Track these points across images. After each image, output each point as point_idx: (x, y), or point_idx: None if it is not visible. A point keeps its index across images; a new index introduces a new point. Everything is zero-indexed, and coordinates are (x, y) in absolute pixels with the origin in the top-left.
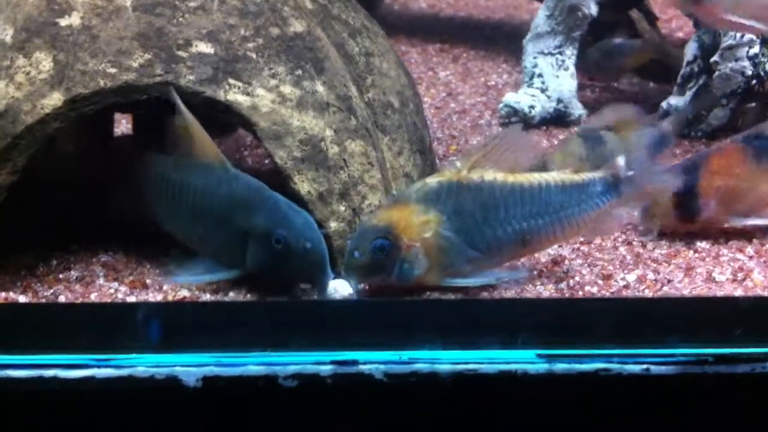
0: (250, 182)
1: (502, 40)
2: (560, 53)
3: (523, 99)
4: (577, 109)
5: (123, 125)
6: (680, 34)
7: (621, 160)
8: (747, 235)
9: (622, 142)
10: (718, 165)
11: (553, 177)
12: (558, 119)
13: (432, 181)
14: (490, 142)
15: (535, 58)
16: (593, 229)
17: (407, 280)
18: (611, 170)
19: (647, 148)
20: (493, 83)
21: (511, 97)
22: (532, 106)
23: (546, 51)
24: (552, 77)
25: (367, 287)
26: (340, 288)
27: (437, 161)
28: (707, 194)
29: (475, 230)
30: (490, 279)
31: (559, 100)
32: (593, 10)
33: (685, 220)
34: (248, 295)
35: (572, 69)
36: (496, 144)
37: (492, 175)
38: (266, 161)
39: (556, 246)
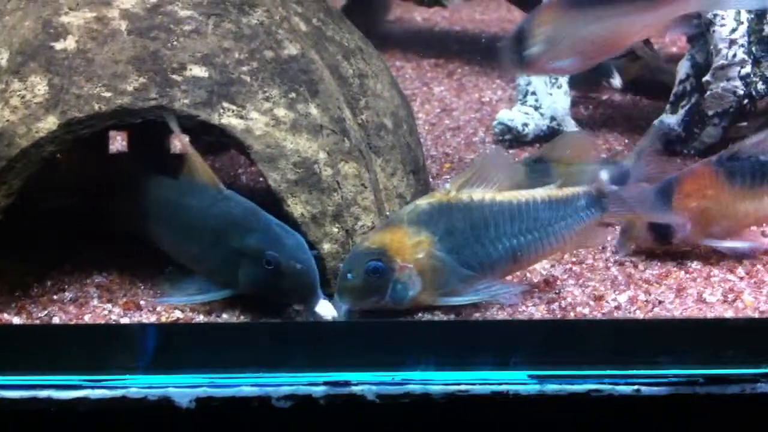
0: (243, 203)
1: (497, 55)
2: None
3: (516, 116)
4: (571, 126)
5: (118, 142)
6: (674, 49)
7: (604, 175)
8: (737, 256)
9: (571, 175)
10: (691, 187)
11: (539, 193)
12: (552, 136)
13: (423, 202)
14: (475, 163)
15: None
16: (579, 242)
17: (401, 302)
18: (596, 185)
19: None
20: (487, 99)
21: (504, 115)
22: (525, 124)
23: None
24: (545, 95)
25: (357, 310)
26: (323, 310)
27: (431, 180)
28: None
29: (467, 249)
30: (483, 296)
31: (552, 118)
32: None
33: (660, 241)
34: (241, 317)
35: (565, 87)
36: (480, 165)
37: (480, 195)
38: (260, 179)
39: (548, 266)
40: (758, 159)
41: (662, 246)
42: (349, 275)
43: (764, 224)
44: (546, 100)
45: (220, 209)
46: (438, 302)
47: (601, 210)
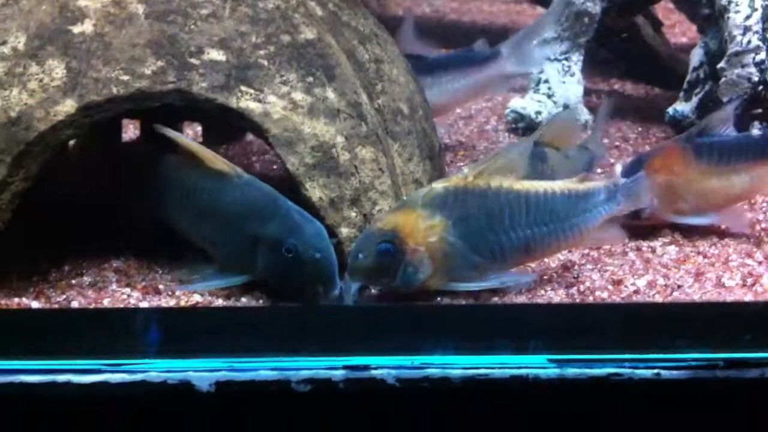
0: (264, 189)
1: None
2: (566, 59)
3: (529, 105)
4: (584, 115)
5: (130, 130)
6: (684, 40)
7: (618, 169)
8: (756, 239)
9: (566, 159)
10: (660, 163)
11: (558, 186)
12: None
13: (438, 186)
14: (498, 150)
15: (541, 63)
16: (598, 238)
17: (411, 285)
18: (611, 179)
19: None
20: None
21: (517, 103)
22: (538, 112)
23: (552, 57)
24: (558, 83)
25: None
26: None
27: (446, 167)
28: (649, 192)
29: (479, 236)
30: (494, 283)
31: (565, 106)
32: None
33: (630, 216)
34: (260, 301)
35: (578, 75)
36: (502, 153)
37: (498, 182)
38: (274, 167)
39: (565, 251)
40: (727, 137)
41: (632, 222)
42: (360, 255)
43: (737, 202)
44: (559, 88)
45: (241, 194)
46: (447, 287)
47: (616, 204)
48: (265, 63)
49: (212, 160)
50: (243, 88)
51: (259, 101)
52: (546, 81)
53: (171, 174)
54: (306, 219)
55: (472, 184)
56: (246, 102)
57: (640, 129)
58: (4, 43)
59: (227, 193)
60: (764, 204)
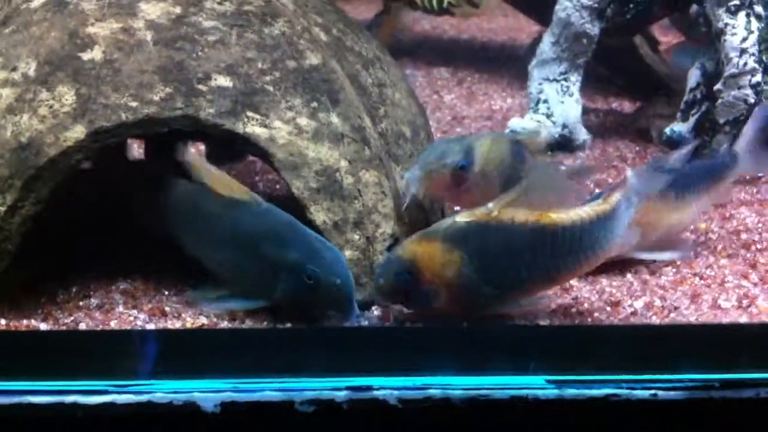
0: (282, 216)
1: (506, 62)
2: (565, 79)
3: (528, 124)
4: (582, 134)
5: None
6: None
7: (630, 173)
8: (750, 261)
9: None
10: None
11: (586, 212)
12: (563, 145)
13: (462, 220)
14: (525, 181)
15: (540, 84)
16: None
17: (422, 310)
18: (627, 185)
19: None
20: (497, 107)
21: (517, 122)
22: (537, 131)
23: (551, 77)
24: (557, 103)
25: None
26: None
27: None
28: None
29: (499, 270)
30: (509, 307)
31: (564, 126)
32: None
33: None
34: (265, 322)
35: (577, 95)
36: (530, 184)
37: (524, 217)
38: (277, 186)
39: None
40: (681, 171)
41: None
42: (381, 279)
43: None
44: (558, 108)
45: (260, 221)
46: (466, 315)
47: (633, 207)
48: (271, 88)
49: (232, 188)
50: (249, 113)
51: (265, 126)
52: (545, 101)
53: (185, 198)
54: (325, 246)
55: (496, 219)
56: (252, 127)
57: (637, 149)
58: (14, 69)
59: (247, 220)
60: (759, 225)
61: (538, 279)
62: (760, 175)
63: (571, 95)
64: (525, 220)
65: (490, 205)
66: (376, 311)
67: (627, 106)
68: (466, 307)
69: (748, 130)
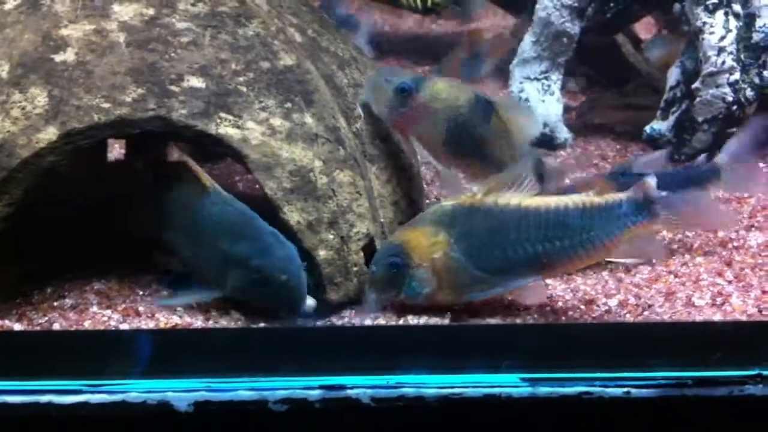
0: (239, 208)
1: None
2: (546, 78)
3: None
4: (563, 133)
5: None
6: None
7: (652, 180)
8: (726, 259)
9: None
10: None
11: (573, 200)
12: (545, 143)
13: (447, 204)
14: (510, 168)
15: (521, 83)
16: (630, 251)
17: (416, 298)
18: (642, 190)
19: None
20: None
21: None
22: None
23: (532, 76)
24: (538, 102)
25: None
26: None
27: (425, 186)
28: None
29: (486, 252)
30: (500, 290)
31: (545, 124)
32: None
33: None
34: (239, 322)
35: (558, 94)
36: (515, 170)
37: (507, 200)
38: (257, 186)
39: None
40: (659, 176)
41: None
42: (374, 268)
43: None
44: (539, 107)
45: (217, 212)
46: (456, 301)
47: (650, 216)
48: (245, 89)
49: (198, 173)
50: (222, 114)
51: (238, 127)
52: (526, 100)
53: (153, 195)
54: (278, 241)
55: (480, 201)
56: (225, 128)
57: (618, 147)
58: None
59: (205, 209)
60: (737, 223)
61: (526, 263)
62: (746, 195)
63: (552, 94)
64: (507, 203)
65: (475, 188)
66: (352, 311)
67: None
68: (456, 292)
69: (735, 143)
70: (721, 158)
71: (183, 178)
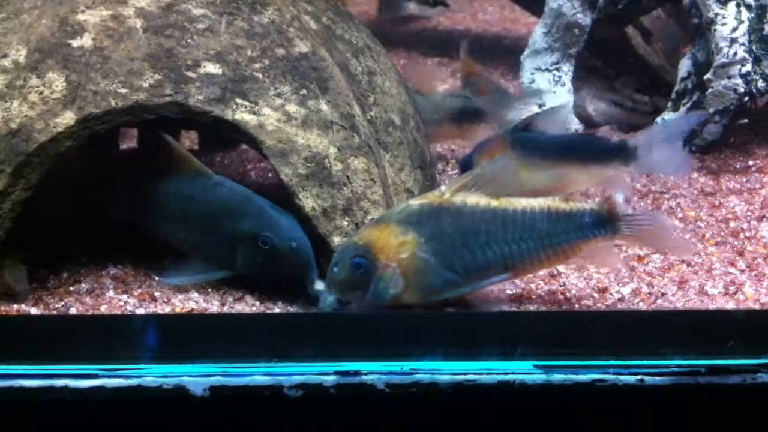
0: (234, 188)
1: (500, 53)
2: (557, 69)
3: (520, 114)
4: (574, 124)
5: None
6: None
7: (619, 197)
8: (738, 249)
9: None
10: (488, 153)
11: (539, 203)
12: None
13: (414, 203)
14: (479, 167)
15: (532, 74)
16: (590, 260)
17: (382, 299)
18: (607, 205)
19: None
20: None
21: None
22: None
23: (543, 67)
24: (549, 93)
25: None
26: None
27: (437, 176)
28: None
29: (453, 253)
30: (467, 290)
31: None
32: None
33: None
34: (254, 307)
35: (569, 85)
36: (483, 170)
37: (475, 200)
38: (269, 175)
39: None
40: (546, 134)
41: None
42: (335, 269)
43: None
44: (550, 98)
45: (213, 195)
46: (421, 302)
47: (612, 232)
48: (260, 76)
49: (186, 158)
50: (238, 100)
51: (254, 113)
52: (538, 90)
53: (149, 182)
54: (278, 212)
55: (448, 201)
56: (241, 114)
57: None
58: (5, 56)
59: (201, 194)
60: (748, 213)
61: (494, 263)
62: (663, 191)
63: (563, 85)
64: (476, 203)
65: (442, 188)
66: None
67: (619, 96)
68: (422, 293)
69: (658, 128)
70: (638, 138)
71: (173, 164)
